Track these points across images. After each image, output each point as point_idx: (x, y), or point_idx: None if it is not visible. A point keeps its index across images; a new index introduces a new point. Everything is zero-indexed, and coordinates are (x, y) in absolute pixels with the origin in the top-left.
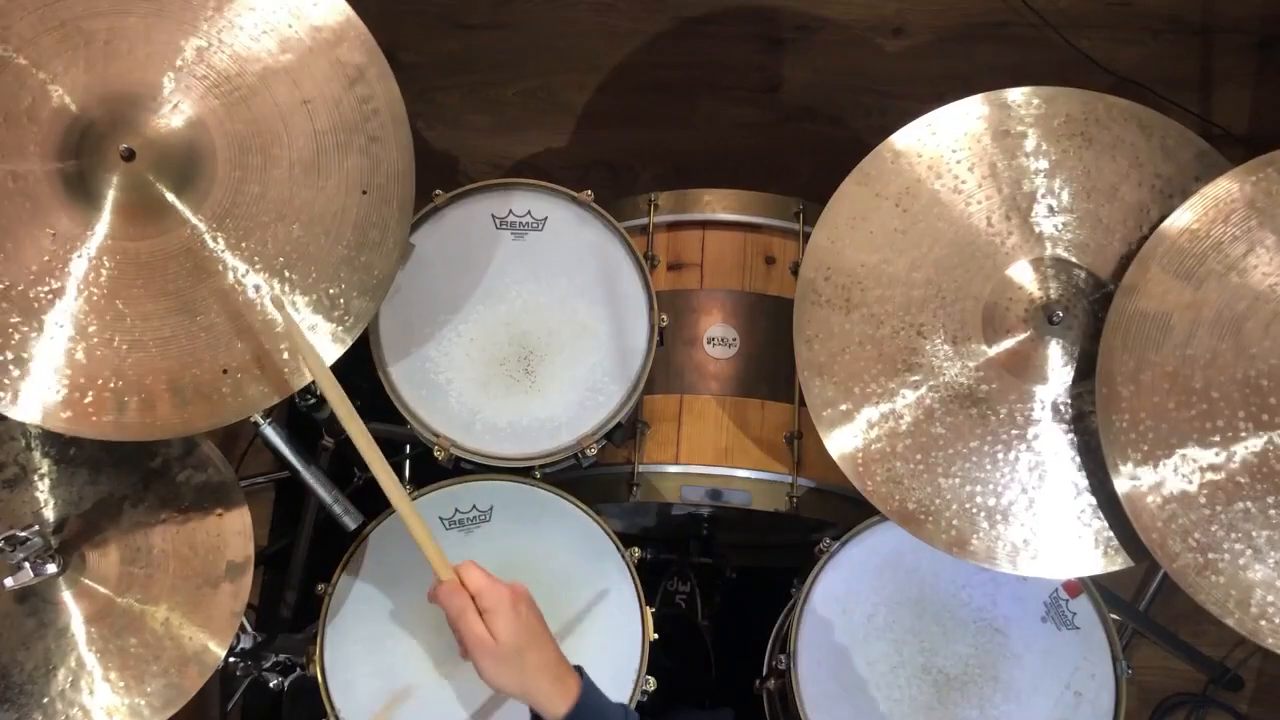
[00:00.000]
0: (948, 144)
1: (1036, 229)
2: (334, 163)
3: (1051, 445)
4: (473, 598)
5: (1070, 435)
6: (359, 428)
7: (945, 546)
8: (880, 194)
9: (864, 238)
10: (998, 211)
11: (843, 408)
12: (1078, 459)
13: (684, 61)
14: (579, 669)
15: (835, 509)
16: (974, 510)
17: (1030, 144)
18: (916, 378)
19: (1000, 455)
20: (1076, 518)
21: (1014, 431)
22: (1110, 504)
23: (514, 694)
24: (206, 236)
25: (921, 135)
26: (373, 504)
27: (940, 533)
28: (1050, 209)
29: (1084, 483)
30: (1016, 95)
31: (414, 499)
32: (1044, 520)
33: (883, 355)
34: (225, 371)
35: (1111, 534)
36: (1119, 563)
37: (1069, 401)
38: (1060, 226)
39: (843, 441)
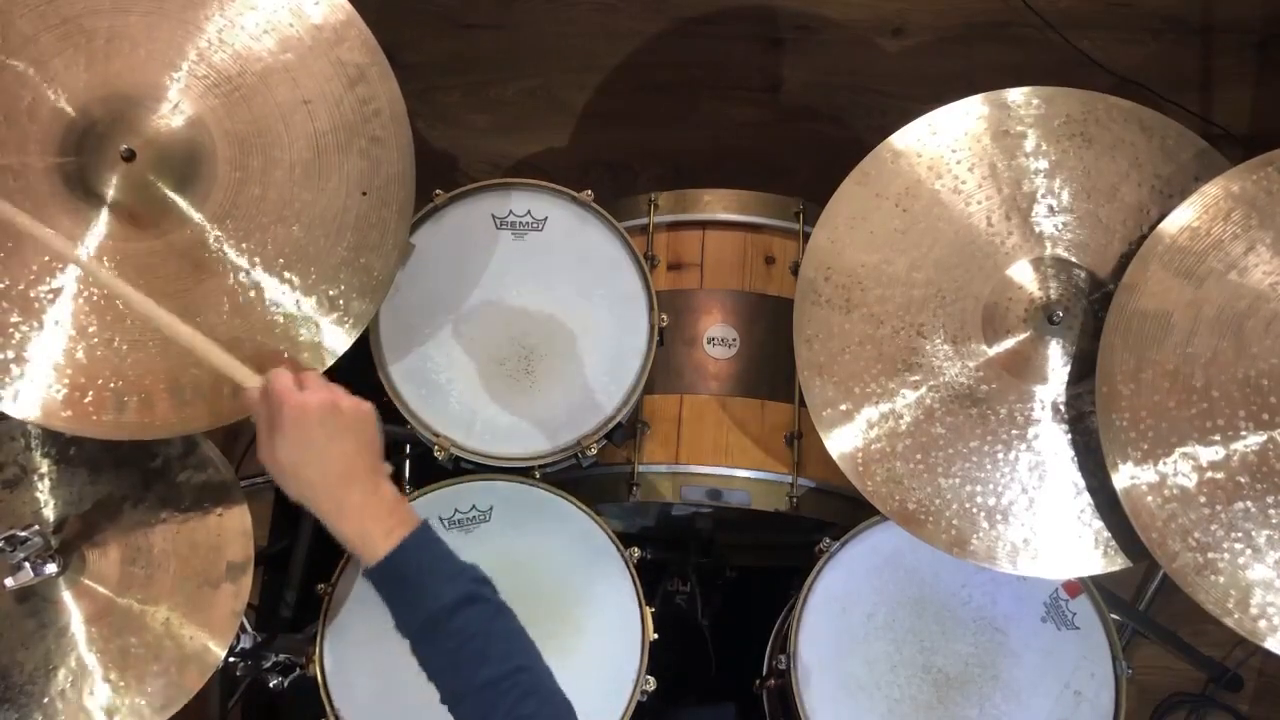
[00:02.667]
0: (948, 144)
1: (1036, 229)
2: (334, 164)
3: (1051, 445)
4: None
5: (1070, 435)
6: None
7: (945, 546)
8: (880, 194)
9: (864, 238)
10: (998, 211)
11: (843, 408)
12: (1078, 459)
13: (684, 61)
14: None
15: (835, 509)
16: (974, 510)
17: (1030, 144)
18: (916, 378)
19: (1000, 455)
20: (1076, 518)
21: (1014, 431)
22: (1110, 504)
23: (311, 488)
24: (207, 237)
25: (921, 135)
26: None
27: (940, 533)
28: (1050, 209)
29: (1084, 482)
30: (1016, 95)
31: (414, 499)
32: (1044, 520)
33: (883, 355)
34: None
35: (1110, 533)
36: (1119, 563)
37: (1069, 401)
38: (1060, 226)
39: (843, 441)
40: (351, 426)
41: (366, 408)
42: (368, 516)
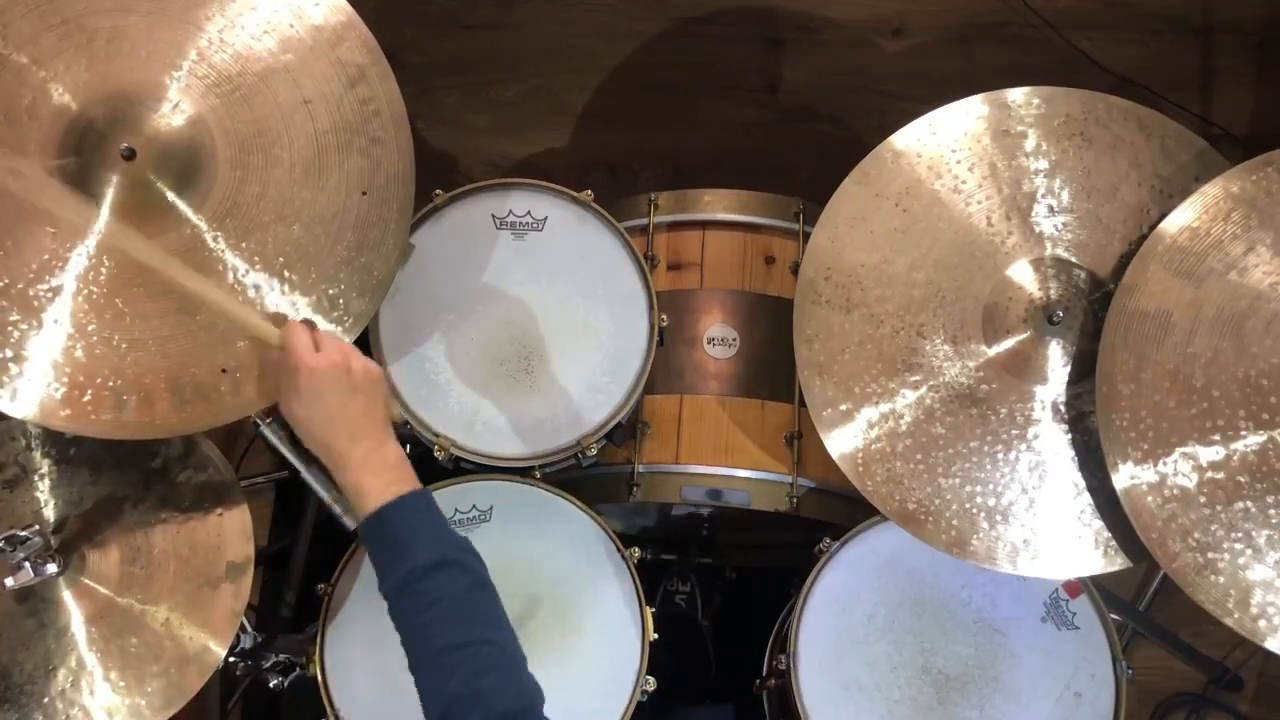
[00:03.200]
0: (948, 144)
1: (1036, 229)
2: (334, 163)
3: (1051, 445)
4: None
5: (1070, 435)
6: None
7: (945, 546)
8: (880, 194)
9: (864, 238)
10: (998, 211)
11: (843, 408)
12: (1078, 459)
13: (684, 61)
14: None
15: (835, 509)
16: (974, 510)
17: (1030, 144)
18: (916, 378)
19: (1000, 455)
20: (1077, 518)
21: (1014, 431)
22: (1110, 504)
23: (321, 443)
24: (207, 236)
25: (921, 135)
26: None
27: (940, 533)
28: (1050, 209)
29: (1084, 482)
30: (1016, 95)
31: None
32: (1044, 520)
33: (883, 355)
34: (224, 371)
35: (1110, 533)
36: (1119, 563)
37: (1069, 401)
38: (1060, 226)
39: (843, 441)
40: (361, 387)
41: (375, 370)
42: (369, 471)
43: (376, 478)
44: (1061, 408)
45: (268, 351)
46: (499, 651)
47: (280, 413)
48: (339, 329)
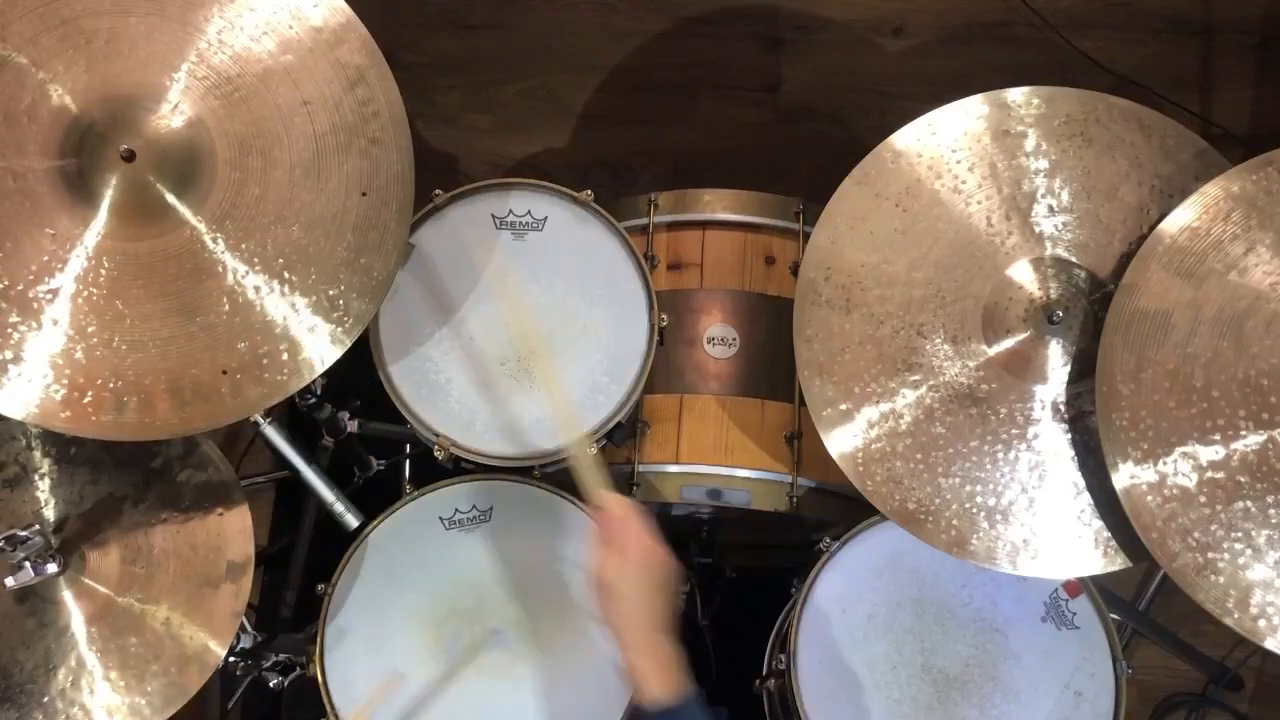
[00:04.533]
0: (948, 144)
1: (1036, 229)
2: (334, 164)
3: (1051, 445)
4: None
5: (1070, 435)
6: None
7: (945, 546)
8: (880, 194)
9: (864, 238)
10: (998, 211)
11: (843, 407)
12: (1078, 459)
13: (684, 61)
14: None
15: (835, 509)
16: (974, 510)
17: (1030, 144)
18: (916, 377)
19: (1000, 455)
20: (1076, 517)
21: (1014, 431)
22: (1110, 504)
23: (614, 634)
24: (206, 237)
25: (921, 135)
26: (373, 504)
27: (940, 533)
28: (1050, 209)
29: (1084, 482)
30: (1016, 95)
31: (414, 499)
32: (1044, 520)
33: (883, 355)
34: (225, 372)
35: (1110, 533)
36: (1119, 563)
37: (1069, 401)
38: (1060, 226)
39: (843, 441)
40: (667, 584)
41: (675, 566)
42: (652, 662)
43: (657, 672)
44: (1061, 407)
45: (601, 511)
46: None
47: (596, 567)
48: (339, 329)
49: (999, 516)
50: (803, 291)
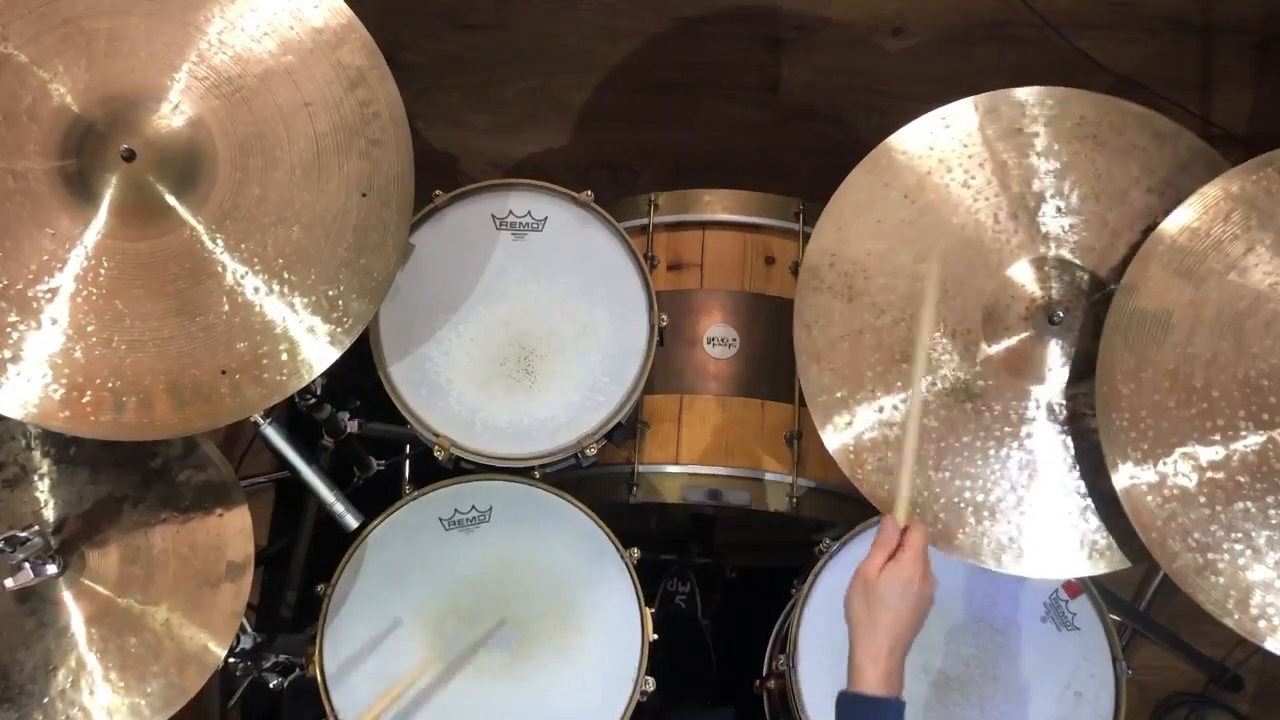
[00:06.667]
0: (960, 139)
1: (1043, 229)
2: (334, 165)
3: (1044, 445)
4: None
5: (1063, 436)
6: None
7: (931, 540)
8: (889, 184)
9: (871, 226)
10: (1005, 209)
11: (838, 395)
12: (1069, 460)
13: (684, 61)
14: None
15: (835, 509)
16: (962, 505)
17: (1042, 144)
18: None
19: (992, 452)
20: (1063, 518)
21: (1007, 429)
22: (1105, 504)
23: (853, 629)
24: (206, 238)
25: (935, 129)
26: (373, 504)
27: (927, 525)
28: (1058, 209)
29: (1073, 484)
30: (1031, 95)
31: (414, 499)
32: (1031, 519)
33: (881, 345)
34: (224, 372)
35: (1096, 536)
36: (1103, 566)
37: (1064, 402)
38: (1067, 228)
39: (836, 428)
40: (924, 616)
41: (930, 609)
42: (880, 663)
43: (880, 675)
44: (1056, 408)
45: (891, 519)
46: None
47: (870, 568)
48: (339, 329)
49: (986, 513)
50: (806, 277)
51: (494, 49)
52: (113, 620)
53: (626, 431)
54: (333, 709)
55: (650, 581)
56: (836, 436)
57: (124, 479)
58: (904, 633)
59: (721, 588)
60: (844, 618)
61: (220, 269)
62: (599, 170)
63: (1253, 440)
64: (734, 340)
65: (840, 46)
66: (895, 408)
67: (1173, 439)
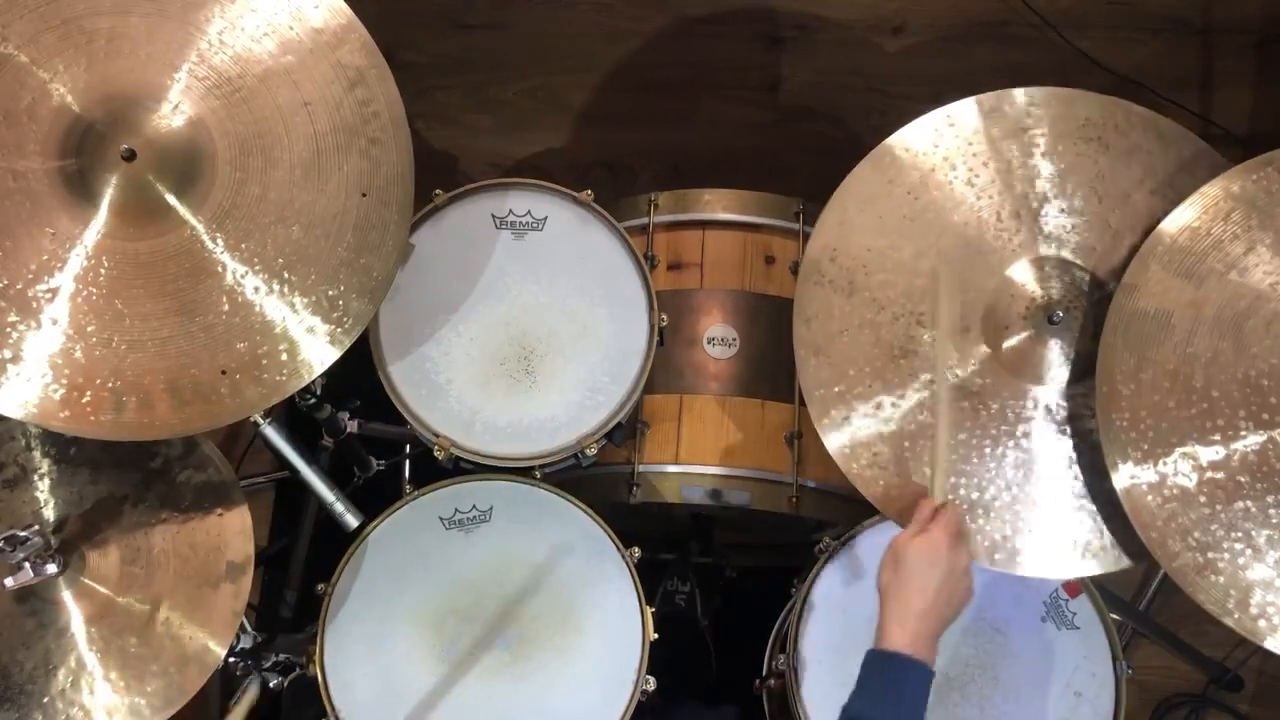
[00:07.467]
0: (965, 137)
1: (1045, 229)
2: (334, 165)
3: (1041, 444)
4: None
5: (1061, 436)
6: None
7: None
8: (893, 180)
9: (873, 222)
10: (1007, 209)
11: (836, 389)
12: (1065, 460)
13: (684, 61)
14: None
15: (835, 509)
16: (956, 502)
17: (1047, 144)
18: (912, 366)
19: (988, 450)
20: (1058, 518)
21: (1004, 428)
22: (1104, 505)
23: (883, 599)
24: (206, 237)
25: (939, 126)
26: (373, 504)
27: (962, 505)
28: (1061, 210)
29: (1069, 484)
30: (1036, 95)
31: (414, 499)
32: (1025, 519)
33: (880, 340)
34: (224, 372)
35: (1090, 537)
36: (1095, 567)
37: (1063, 402)
38: (1069, 228)
39: (833, 423)
40: (962, 592)
41: (970, 596)
42: (907, 626)
43: (908, 636)
44: (1054, 408)
45: (929, 501)
46: None
47: (903, 540)
48: (339, 329)
49: (980, 511)
50: (807, 271)
51: (494, 49)
52: (113, 620)
53: (626, 431)
54: (333, 709)
55: (650, 581)
56: (834, 430)
57: (124, 479)
58: (934, 603)
59: (721, 587)
60: (875, 587)
61: (220, 269)
62: (599, 170)
63: (1253, 440)
64: (734, 340)
65: (840, 46)
66: (894, 405)
67: (1173, 439)
